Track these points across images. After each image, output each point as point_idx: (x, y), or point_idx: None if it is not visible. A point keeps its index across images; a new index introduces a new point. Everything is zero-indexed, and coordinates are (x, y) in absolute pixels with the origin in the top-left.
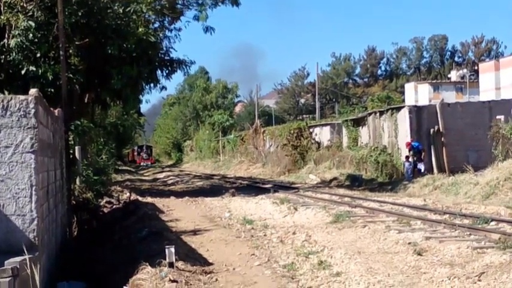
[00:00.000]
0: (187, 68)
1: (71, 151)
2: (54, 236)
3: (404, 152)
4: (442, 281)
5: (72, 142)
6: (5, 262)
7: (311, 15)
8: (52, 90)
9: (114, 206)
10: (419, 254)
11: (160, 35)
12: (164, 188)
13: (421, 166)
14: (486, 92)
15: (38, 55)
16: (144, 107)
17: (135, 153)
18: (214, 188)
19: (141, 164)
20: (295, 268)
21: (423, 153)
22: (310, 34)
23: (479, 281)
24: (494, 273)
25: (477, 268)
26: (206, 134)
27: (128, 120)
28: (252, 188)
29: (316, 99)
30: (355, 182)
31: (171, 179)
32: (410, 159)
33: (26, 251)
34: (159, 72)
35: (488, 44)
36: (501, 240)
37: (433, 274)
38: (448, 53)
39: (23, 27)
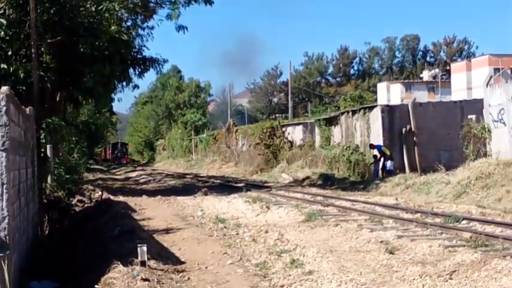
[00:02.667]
0: (160, 66)
1: (43, 149)
2: (25, 234)
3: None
4: (414, 279)
5: (44, 140)
6: None
7: (284, 14)
8: (23, 88)
9: (86, 205)
10: (391, 253)
11: (133, 33)
12: (136, 187)
13: (388, 164)
14: (458, 92)
15: (10, 53)
16: (125, 106)
17: (109, 152)
18: (187, 186)
19: (116, 163)
20: (267, 267)
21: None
22: (283, 33)
23: (451, 279)
24: (466, 271)
25: (448, 266)
26: (179, 133)
27: (100, 118)
28: (225, 187)
29: (289, 99)
30: (327, 181)
31: (143, 178)
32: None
33: None
34: (131, 70)
35: (460, 44)
36: (472, 239)
37: (405, 272)
38: (420, 53)
39: None
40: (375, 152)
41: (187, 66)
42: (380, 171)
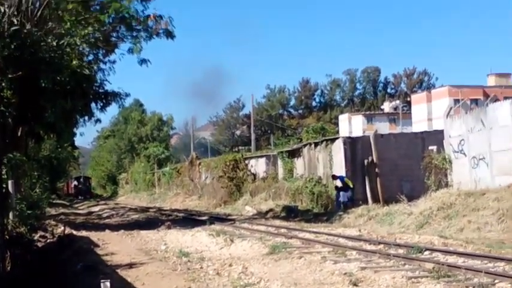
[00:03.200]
0: (122, 100)
1: (4, 185)
2: None
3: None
4: None
5: (5, 176)
6: None
7: (246, 45)
8: None
9: (49, 240)
10: (355, 285)
11: (95, 67)
12: (99, 222)
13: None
14: (419, 123)
15: None
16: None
17: (72, 186)
18: (150, 220)
19: (79, 197)
20: None
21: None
22: (244, 66)
23: None
24: None
25: None
26: (141, 166)
27: (62, 153)
28: (188, 220)
29: (252, 131)
30: (291, 213)
31: (106, 212)
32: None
33: None
34: (93, 105)
35: (420, 76)
36: (435, 270)
37: None
38: (381, 84)
39: None
40: (337, 182)
41: (151, 99)
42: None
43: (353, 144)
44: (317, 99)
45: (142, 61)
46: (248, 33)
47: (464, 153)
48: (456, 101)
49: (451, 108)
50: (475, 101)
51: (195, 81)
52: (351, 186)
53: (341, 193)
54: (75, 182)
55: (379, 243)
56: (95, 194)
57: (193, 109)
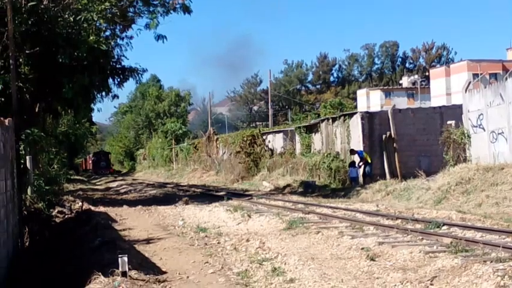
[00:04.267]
0: (140, 76)
1: (22, 161)
2: (5, 246)
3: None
4: (395, 285)
5: (23, 152)
6: None
7: (263, 22)
8: (2, 99)
9: (67, 216)
10: (372, 259)
11: (112, 43)
12: (117, 197)
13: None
14: (437, 98)
15: None
16: (105, 116)
17: (90, 162)
18: (168, 196)
19: (98, 173)
20: (249, 275)
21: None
22: (257, 44)
23: (432, 285)
24: (446, 277)
25: (429, 272)
26: (159, 142)
27: (79, 129)
28: (206, 195)
29: (269, 106)
30: (308, 188)
31: (123, 188)
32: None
33: None
34: (110, 80)
35: (438, 50)
36: (453, 244)
37: (386, 279)
38: (399, 59)
39: None
40: (356, 157)
41: (174, 73)
42: (361, 177)
43: (371, 119)
44: (335, 74)
45: (159, 37)
46: (267, 8)
47: (483, 128)
48: (475, 75)
49: (469, 83)
50: (494, 75)
51: (218, 54)
52: (369, 161)
53: (350, 169)
54: (94, 158)
55: (397, 218)
56: (114, 170)
57: (219, 81)
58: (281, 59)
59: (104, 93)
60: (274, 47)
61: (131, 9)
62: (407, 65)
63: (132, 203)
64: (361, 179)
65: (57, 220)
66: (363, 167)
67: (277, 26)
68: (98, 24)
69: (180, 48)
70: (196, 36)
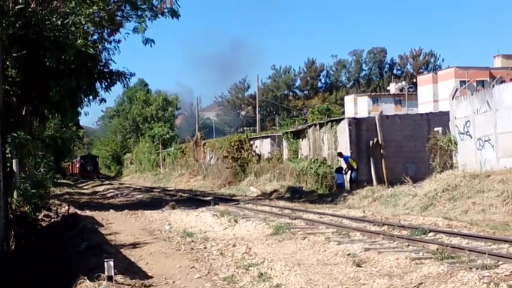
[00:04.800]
0: (127, 80)
1: (8, 164)
2: None
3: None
4: None
5: (10, 155)
6: None
7: (251, 28)
8: None
9: (53, 220)
10: (358, 265)
11: (100, 47)
12: (103, 201)
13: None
14: (424, 105)
15: None
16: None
17: (77, 165)
18: (155, 200)
19: (85, 177)
20: (235, 281)
21: (347, 165)
22: (249, 46)
23: None
24: (432, 283)
25: (415, 279)
26: (146, 146)
27: (66, 132)
28: (193, 200)
29: (257, 112)
30: (295, 194)
31: (110, 192)
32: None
33: None
34: (98, 84)
35: (426, 57)
36: (439, 251)
37: (372, 285)
38: (387, 65)
39: None
40: (342, 162)
41: (167, 75)
42: (348, 183)
43: (358, 125)
44: (322, 80)
45: (147, 40)
46: (257, 12)
47: (469, 135)
48: (462, 82)
49: (456, 90)
50: (481, 83)
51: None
52: (355, 166)
53: (337, 175)
54: (82, 161)
55: (383, 224)
56: (101, 174)
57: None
58: (270, 63)
59: (91, 97)
60: (265, 51)
61: (119, 13)
62: (394, 71)
63: (119, 207)
64: (347, 185)
65: (43, 224)
66: (349, 172)
67: (267, 30)
68: (85, 28)
69: (173, 51)
70: (190, 37)
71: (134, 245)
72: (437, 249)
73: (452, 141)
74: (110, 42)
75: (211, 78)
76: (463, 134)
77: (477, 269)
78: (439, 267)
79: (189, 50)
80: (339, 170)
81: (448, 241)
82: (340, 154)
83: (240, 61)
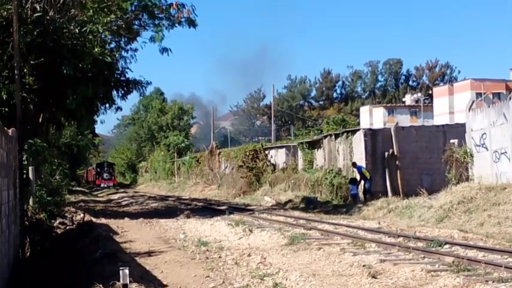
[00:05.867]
0: (143, 88)
1: (25, 171)
2: (6, 257)
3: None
4: None
5: (26, 162)
6: None
7: (266, 37)
8: (6, 109)
9: (68, 227)
10: (373, 277)
11: (117, 55)
12: (118, 209)
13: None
14: (440, 116)
15: None
16: (107, 128)
17: (93, 173)
18: (169, 209)
19: (102, 185)
20: None
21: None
22: (265, 56)
23: None
24: None
25: None
26: (161, 155)
27: (82, 140)
28: (207, 209)
29: (272, 122)
30: (310, 204)
31: (125, 200)
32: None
33: None
34: (114, 92)
35: (442, 69)
36: (455, 263)
37: None
38: (403, 77)
39: None
40: (357, 172)
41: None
42: (361, 194)
43: (374, 136)
44: (338, 91)
45: (164, 50)
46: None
47: (485, 147)
48: (478, 94)
49: (473, 102)
50: (498, 95)
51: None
52: (368, 177)
53: (351, 186)
54: (98, 169)
55: (399, 236)
56: (117, 182)
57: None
58: (288, 72)
59: (107, 105)
60: (277, 62)
61: (136, 22)
62: (410, 82)
63: (134, 216)
64: (361, 195)
65: (59, 231)
66: (362, 183)
67: (280, 41)
68: (103, 36)
69: (197, 56)
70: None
71: (149, 254)
72: (453, 261)
73: (468, 153)
74: (127, 51)
75: (237, 83)
76: (479, 146)
77: (493, 282)
78: (455, 280)
79: (214, 55)
80: (353, 180)
81: (464, 253)
82: (354, 164)
83: (264, 67)
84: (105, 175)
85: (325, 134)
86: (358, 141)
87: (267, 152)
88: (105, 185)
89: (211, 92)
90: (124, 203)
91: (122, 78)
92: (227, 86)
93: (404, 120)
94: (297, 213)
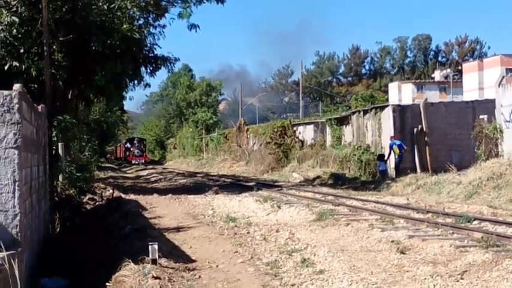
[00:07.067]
0: (172, 65)
1: (54, 147)
2: (37, 232)
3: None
4: (425, 279)
5: (55, 138)
6: None
7: (294, 13)
8: (35, 86)
9: (97, 203)
10: (402, 253)
11: (145, 31)
12: (147, 186)
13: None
14: (469, 92)
15: (22, 51)
16: (136, 105)
17: (123, 149)
18: (198, 185)
19: (133, 162)
20: (278, 266)
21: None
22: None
23: (462, 279)
24: (477, 271)
25: (460, 266)
26: (189, 131)
27: (111, 117)
28: (236, 186)
29: (300, 98)
30: (338, 180)
31: (154, 177)
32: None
33: (8, 247)
34: (143, 69)
35: (471, 44)
36: (483, 239)
37: (416, 272)
38: (432, 52)
39: (6, 23)
40: (387, 149)
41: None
42: (393, 170)
43: (402, 113)
44: (367, 67)
45: (192, 26)
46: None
47: None
48: (508, 70)
49: (503, 77)
50: None
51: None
52: (397, 154)
53: (379, 162)
54: (128, 144)
55: (427, 212)
56: (149, 159)
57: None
58: (313, 50)
59: (136, 82)
60: (306, 38)
61: None
62: (439, 58)
63: (163, 192)
64: (392, 172)
65: (88, 207)
66: (392, 159)
67: (309, 17)
68: (131, 13)
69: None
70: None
71: (178, 229)
72: (482, 237)
73: (498, 129)
74: (155, 27)
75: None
76: (509, 122)
77: None
78: (484, 255)
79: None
80: (381, 157)
81: (493, 229)
82: (392, 138)
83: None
84: (136, 151)
85: (353, 110)
86: (387, 117)
87: (295, 128)
88: (136, 162)
89: (259, 65)
90: (153, 179)
91: (150, 55)
92: (272, 57)
93: (434, 96)
94: (325, 189)
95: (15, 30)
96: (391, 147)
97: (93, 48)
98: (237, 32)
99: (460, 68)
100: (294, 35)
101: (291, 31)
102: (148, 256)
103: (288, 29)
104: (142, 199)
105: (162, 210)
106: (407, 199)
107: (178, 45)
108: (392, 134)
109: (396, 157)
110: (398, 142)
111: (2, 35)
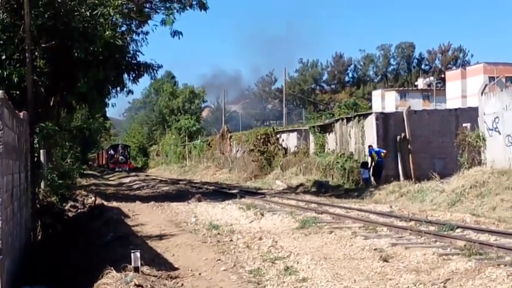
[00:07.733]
0: (155, 72)
1: (36, 154)
2: (18, 239)
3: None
4: (408, 287)
5: (37, 145)
6: None
7: (278, 22)
8: (17, 92)
9: (79, 210)
10: (385, 260)
11: (128, 38)
12: (130, 193)
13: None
14: (453, 100)
15: (3, 57)
16: (118, 112)
17: (106, 156)
18: (181, 193)
19: (116, 169)
20: (261, 273)
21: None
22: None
23: (445, 287)
24: (460, 279)
25: (443, 275)
26: (172, 138)
27: (93, 123)
28: (219, 193)
29: (284, 105)
30: (321, 188)
31: (136, 184)
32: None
33: None
34: (125, 75)
35: (455, 52)
36: (466, 247)
37: (399, 280)
38: (415, 60)
39: None
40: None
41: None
42: (372, 177)
43: (386, 120)
44: (350, 75)
45: (175, 33)
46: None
47: (498, 131)
48: (491, 78)
49: (486, 86)
50: (510, 79)
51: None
52: (375, 160)
53: (362, 170)
54: (111, 151)
55: (410, 219)
56: (133, 166)
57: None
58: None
59: (118, 89)
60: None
61: (147, 5)
62: (423, 66)
63: (145, 199)
64: (373, 179)
65: (70, 214)
66: (372, 166)
67: (292, 25)
68: (114, 19)
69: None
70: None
71: (160, 237)
72: (465, 245)
73: (481, 137)
74: (138, 34)
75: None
76: (492, 130)
77: (505, 265)
78: (467, 264)
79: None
80: (365, 164)
81: (476, 237)
82: (370, 146)
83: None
84: (120, 158)
85: (336, 118)
86: (370, 125)
87: (278, 135)
88: (120, 169)
89: (252, 70)
90: (135, 186)
91: (133, 62)
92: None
93: (417, 104)
94: (308, 197)
95: None
96: (370, 155)
97: (76, 54)
98: (228, 37)
99: (443, 76)
100: (284, 39)
101: (281, 35)
102: (130, 264)
103: (278, 33)
104: (124, 206)
105: (145, 217)
106: (391, 207)
107: (169, 51)
108: (373, 143)
109: (374, 162)
110: (376, 149)
111: None
